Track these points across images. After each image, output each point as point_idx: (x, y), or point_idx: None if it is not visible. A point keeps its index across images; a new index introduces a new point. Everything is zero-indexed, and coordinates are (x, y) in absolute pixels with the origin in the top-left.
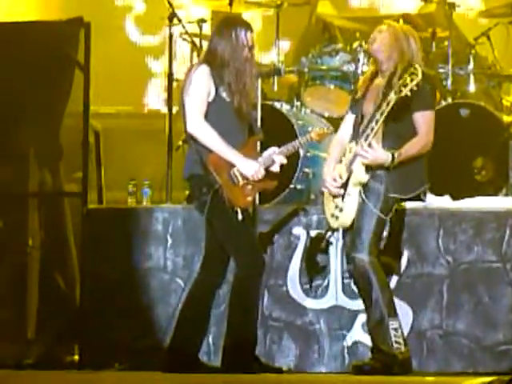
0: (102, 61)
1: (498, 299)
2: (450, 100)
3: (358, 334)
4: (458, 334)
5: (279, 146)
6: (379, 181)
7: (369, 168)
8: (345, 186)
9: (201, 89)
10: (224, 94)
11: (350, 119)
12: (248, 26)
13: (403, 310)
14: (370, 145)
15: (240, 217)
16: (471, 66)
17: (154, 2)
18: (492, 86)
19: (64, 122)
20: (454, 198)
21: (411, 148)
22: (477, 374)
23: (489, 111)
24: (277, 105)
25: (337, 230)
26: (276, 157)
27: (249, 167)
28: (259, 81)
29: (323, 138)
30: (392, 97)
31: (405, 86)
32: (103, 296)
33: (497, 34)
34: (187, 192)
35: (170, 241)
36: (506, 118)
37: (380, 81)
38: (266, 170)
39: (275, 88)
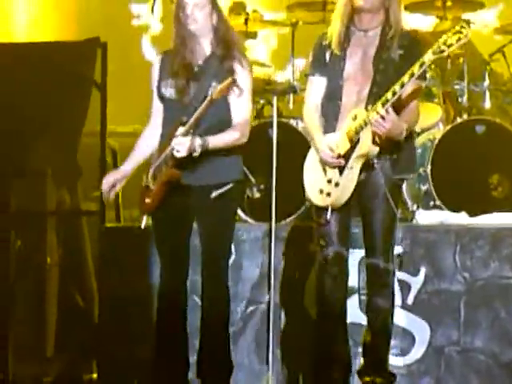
0: (119, 80)
1: None
2: (465, 116)
3: None
4: (475, 350)
5: (294, 163)
6: (385, 159)
7: (376, 141)
8: (346, 157)
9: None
10: (163, 90)
11: (319, 83)
12: None
13: (420, 326)
14: (387, 112)
15: (143, 224)
16: (486, 82)
17: (171, 22)
18: (508, 103)
19: (81, 140)
20: (471, 214)
21: (413, 119)
22: None
23: (505, 128)
24: (292, 122)
25: (325, 208)
26: (173, 143)
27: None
28: (275, 99)
29: (226, 93)
30: (429, 57)
31: (449, 45)
32: (121, 313)
33: None
34: None
35: None
36: None
37: (362, 40)
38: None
39: (291, 106)
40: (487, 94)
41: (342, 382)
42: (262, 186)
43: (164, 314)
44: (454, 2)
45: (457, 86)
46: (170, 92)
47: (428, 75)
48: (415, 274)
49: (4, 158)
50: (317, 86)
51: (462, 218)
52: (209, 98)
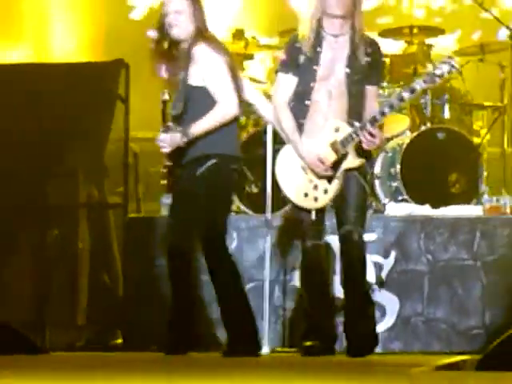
0: (141, 93)
1: (470, 291)
2: (429, 125)
3: None
4: (437, 320)
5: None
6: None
7: (360, 151)
8: (334, 167)
9: None
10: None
11: (290, 82)
12: None
13: (391, 300)
14: (375, 131)
15: (166, 201)
16: (446, 97)
17: None
18: (464, 114)
19: (108, 145)
20: (433, 206)
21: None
22: (453, 354)
23: (462, 134)
24: None
25: (309, 211)
26: (157, 140)
27: None
28: None
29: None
30: (421, 85)
31: (441, 76)
32: (142, 291)
33: (468, 69)
34: None
35: None
36: (476, 140)
37: (333, 45)
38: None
39: None
40: (447, 106)
41: (327, 349)
42: (259, 183)
43: (173, 271)
44: (420, 29)
45: (422, 100)
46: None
47: None
48: (387, 256)
49: (44, 159)
50: (288, 85)
51: (425, 210)
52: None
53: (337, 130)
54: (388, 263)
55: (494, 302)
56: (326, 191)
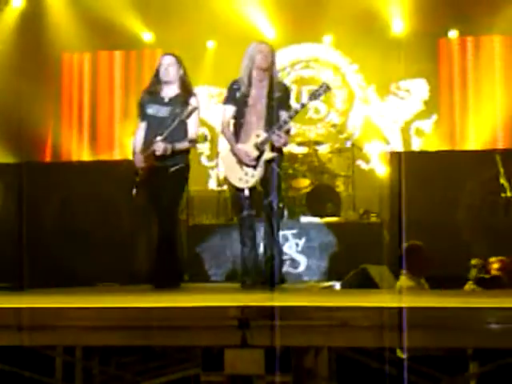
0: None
1: (336, 257)
2: (317, 183)
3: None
4: (322, 267)
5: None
6: (275, 158)
7: (271, 148)
8: (256, 160)
9: None
10: (148, 110)
11: (230, 110)
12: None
13: (302, 259)
14: (282, 132)
15: (134, 192)
16: (325, 171)
17: None
18: (333, 178)
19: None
20: (320, 217)
21: (287, 136)
22: (331, 280)
23: (331, 187)
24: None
25: (242, 190)
26: (154, 146)
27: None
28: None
29: (189, 116)
30: (306, 100)
31: (317, 96)
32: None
33: (331, 160)
34: None
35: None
36: (338, 189)
37: (258, 85)
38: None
39: None
40: (325, 175)
41: (256, 283)
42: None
43: (160, 249)
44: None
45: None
46: (151, 111)
47: (305, 167)
48: (300, 239)
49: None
50: (229, 112)
51: (317, 219)
52: (179, 119)
53: (257, 136)
54: (301, 242)
55: (344, 265)
56: (252, 175)
